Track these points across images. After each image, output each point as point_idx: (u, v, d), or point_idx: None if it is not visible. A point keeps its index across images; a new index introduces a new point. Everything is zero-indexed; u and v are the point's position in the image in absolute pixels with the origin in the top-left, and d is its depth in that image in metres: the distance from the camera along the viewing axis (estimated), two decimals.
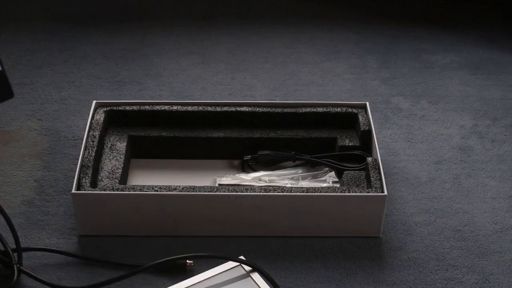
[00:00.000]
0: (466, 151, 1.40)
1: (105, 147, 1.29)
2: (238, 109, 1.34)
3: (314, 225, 1.19)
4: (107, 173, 1.23)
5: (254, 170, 1.31)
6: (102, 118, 1.30)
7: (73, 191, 1.17)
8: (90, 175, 1.20)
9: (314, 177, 1.29)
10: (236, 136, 1.32)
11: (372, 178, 1.21)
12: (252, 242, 1.20)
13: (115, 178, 1.22)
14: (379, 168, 1.23)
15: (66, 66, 1.60)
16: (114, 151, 1.28)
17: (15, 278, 1.09)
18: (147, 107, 1.33)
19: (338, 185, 1.26)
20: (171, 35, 1.71)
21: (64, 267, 1.15)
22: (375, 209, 1.18)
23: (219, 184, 1.26)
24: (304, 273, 1.15)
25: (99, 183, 1.22)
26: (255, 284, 1.10)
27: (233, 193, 1.17)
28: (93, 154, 1.24)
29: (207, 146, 1.33)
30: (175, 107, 1.33)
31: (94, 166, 1.23)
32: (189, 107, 1.33)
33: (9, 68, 1.58)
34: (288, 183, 1.27)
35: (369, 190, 1.19)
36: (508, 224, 1.25)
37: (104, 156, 1.27)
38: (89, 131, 1.28)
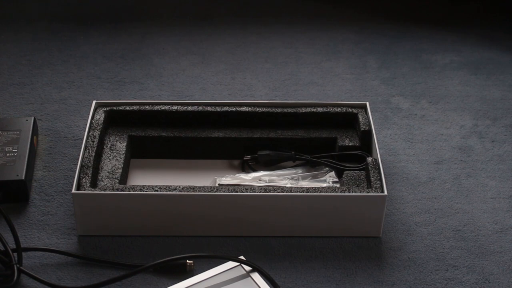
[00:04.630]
0: (466, 151, 1.40)
1: (105, 147, 1.29)
2: (238, 109, 1.34)
3: (314, 225, 1.19)
4: (107, 173, 1.23)
5: (254, 170, 1.31)
6: (102, 118, 1.30)
7: (73, 191, 1.17)
8: (90, 175, 1.20)
9: (314, 177, 1.29)
10: (236, 136, 1.32)
11: (372, 178, 1.21)
12: (252, 242, 1.20)
13: (115, 178, 1.22)
14: (379, 168, 1.23)
15: (66, 66, 1.60)
16: (114, 151, 1.28)
17: (15, 278, 1.09)
18: (147, 107, 1.33)
19: (338, 185, 1.26)
20: (171, 35, 1.71)
21: (64, 267, 1.15)
22: (375, 209, 1.18)
23: (219, 184, 1.26)
24: (304, 273, 1.15)
25: (99, 183, 1.21)
26: (255, 284, 1.10)
27: (233, 193, 1.17)
28: (93, 154, 1.24)
29: (207, 146, 1.33)
30: (175, 107, 1.33)
31: (94, 166, 1.23)
32: (189, 107, 1.33)
33: (9, 68, 1.58)
34: (288, 183, 1.27)
35: (369, 190, 1.19)
36: (508, 224, 1.25)
37: (104, 156, 1.27)
38: (89, 131, 1.28)
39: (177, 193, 1.17)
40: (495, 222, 1.25)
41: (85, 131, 1.28)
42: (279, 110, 1.34)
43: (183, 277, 1.12)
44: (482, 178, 1.34)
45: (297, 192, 1.17)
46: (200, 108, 1.34)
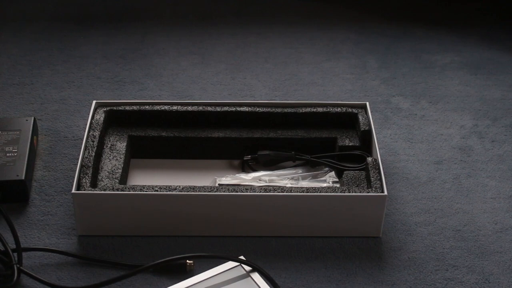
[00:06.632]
0: (466, 151, 1.40)
1: (105, 147, 1.29)
2: (238, 109, 1.34)
3: (314, 225, 1.19)
4: (107, 173, 1.23)
5: (254, 170, 1.31)
6: (102, 118, 1.30)
7: (73, 191, 1.17)
8: (90, 175, 1.20)
9: (314, 177, 1.29)
10: (236, 136, 1.32)
11: (372, 178, 1.21)
12: (252, 242, 1.20)
13: (115, 178, 1.22)
14: (379, 168, 1.23)
15: (66, 66, 1.60)
16: (114, 151, 1.28)
17: (15, 278, 1.09)
18: (147, 107, 1.33)
19: (338, 185, 1.26)
20: (171, 35, 1.71)
21: (64, 267, 1.15)
22: (375, 209, 1.18)
23: (219, 184, 1.26)
24: (304, 273, 1.15)
25: (99, 183, 1.21)
26: (255, 284, 1.10)
27: (233, 193, 1.17)
28: (93, 154, 1.24)
29: (207, 146, 1.32)
30: (175, 107, 1.33)
31: (94, 166, 1.23)
32: (189, 107, 1.33)
33: (9, 68, 1.58)
34: (288, 183, 1.27)
35: (369, 190, 1.19)
36: (508, 224, 1.25)
37: (104, 156, 1.27)
38: (89, 131, 1.28)
39: (177, 193, 1.17)
40: (495, 222, 1.25)
41: (85, 131, 1.28)
42: (279, 110, 1.34)
43: (183, 277, 1.12)
44: (482, 178, 1.34)
45: (297, 192, 1.17)
46: (200, 108, 1.34)
